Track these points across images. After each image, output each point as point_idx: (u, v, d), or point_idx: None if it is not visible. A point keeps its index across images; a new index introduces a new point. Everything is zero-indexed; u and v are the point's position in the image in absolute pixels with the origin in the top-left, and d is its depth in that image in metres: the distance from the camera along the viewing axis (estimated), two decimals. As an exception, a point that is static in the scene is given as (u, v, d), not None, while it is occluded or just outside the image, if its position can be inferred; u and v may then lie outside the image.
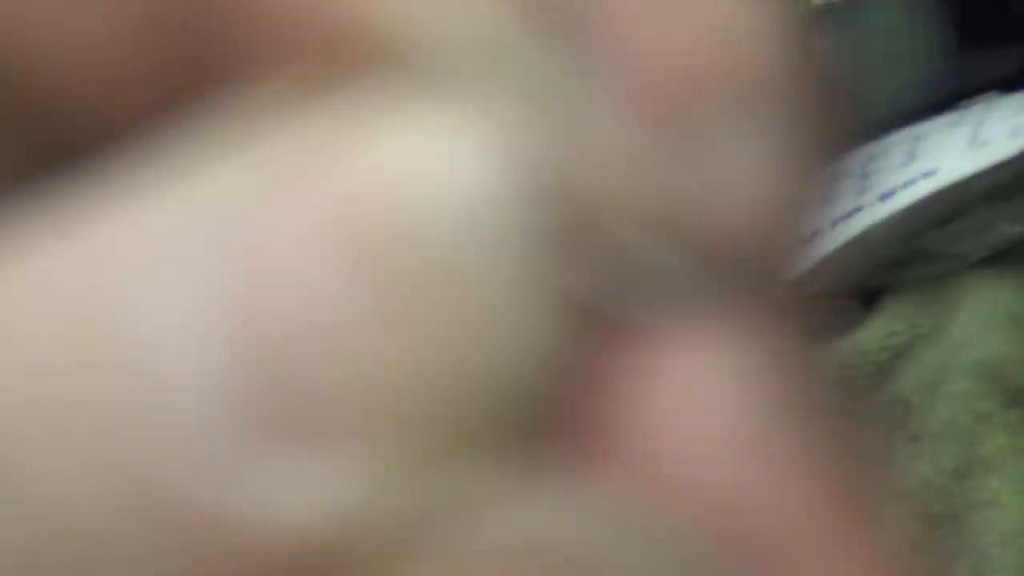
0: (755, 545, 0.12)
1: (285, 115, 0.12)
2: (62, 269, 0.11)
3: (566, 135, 0.12)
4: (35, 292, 0.11)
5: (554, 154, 0.12)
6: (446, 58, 0.12)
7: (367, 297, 0.11)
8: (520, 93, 0.12)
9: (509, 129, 0.12)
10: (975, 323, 0.65)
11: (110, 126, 0.13)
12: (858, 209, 0.68)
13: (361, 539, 0.11)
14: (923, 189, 0.66)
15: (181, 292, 0.11)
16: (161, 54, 0.13)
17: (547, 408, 0.12)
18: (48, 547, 0.11)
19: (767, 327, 0.13)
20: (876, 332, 0.67)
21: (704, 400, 0.12)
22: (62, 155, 0.13)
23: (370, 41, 0.12)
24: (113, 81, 0.13)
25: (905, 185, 0.66)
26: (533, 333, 0.11)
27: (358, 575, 0.11)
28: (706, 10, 0.13)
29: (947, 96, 0.72)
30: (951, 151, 0.67)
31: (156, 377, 0.11)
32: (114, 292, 0.11)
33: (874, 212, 0.68)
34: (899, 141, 0.72)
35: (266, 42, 0.12)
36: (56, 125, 0.14)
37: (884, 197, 0.68)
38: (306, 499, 0.11)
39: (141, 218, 0.11)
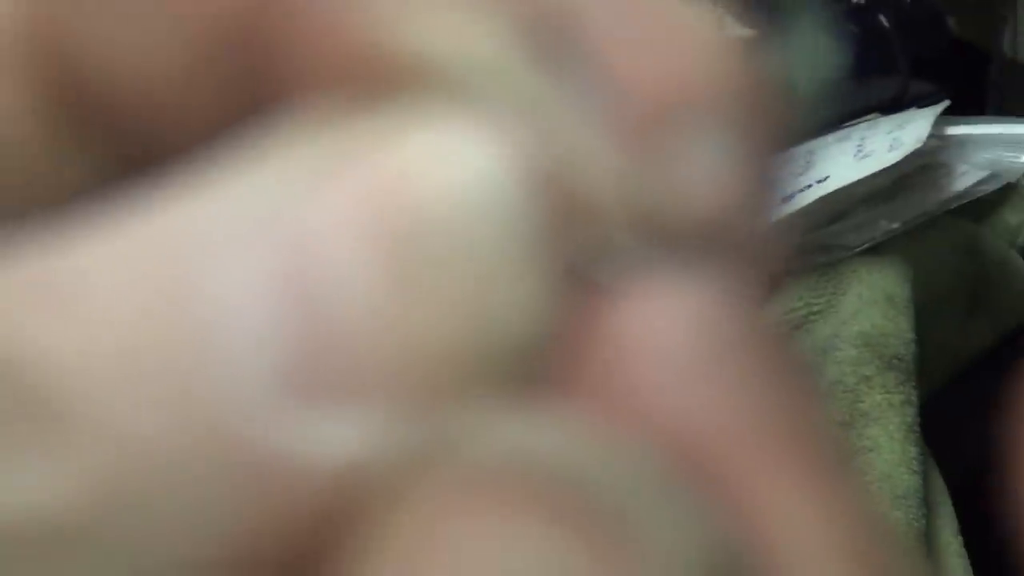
0: (709, 463, 0.13)
1: (328, 122, 0.12)
2: (144, 242, 0.12)
3: (557, 139, 0.13)
4: (119, 259, 0.12)
5: (547, 154, 0.12)
6: (461, 77, 0.13)
7: (395, 272, 0.12)
8: (521, 105, 0.13)
9: (511, 133, 0.12)
10: (859, 302, 0.70)
11: (179, 137, 0.14)
12: (765, 209, 0.74)
13: (380, 474, 0.12)
14: (817, 192, 0.71)
15: (242, 265, 0.12)
16: (225, 73, 0.14)
17: (540, 353, 0.12)
18: (126, 474, 0.12)
19: (726, 287, 0.13)
20: (777, 308, 0.73)
21: (665, 341, 0.13)
22: (136, 165, 0.14)
23: (400, 62, 0.13)
24: (182, 97, 0.14)
25: (802, 190, 0.72)
26: (531, 297, 0.12)
27: (376, 502, 0.12)
28: (674, 38, 0.13)
29: (837, 116, 0.77)
30: (840, 162, 0.73)
31: (221, 335, 0.12)
32: (188, 262, 0.12)
33: (777, 212, 0.77)
34: (797, 154, 0.72)
35: (315, 61, 0.13)
36: (130, 137, 0.14)
37: (785, 199, 0.73)
38: (338, 443, 0.12)
39: (209, 203, 0.12)
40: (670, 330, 0.13)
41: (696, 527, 0.12)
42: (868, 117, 0.79)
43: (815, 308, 0.72)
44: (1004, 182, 0.76)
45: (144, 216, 0.12)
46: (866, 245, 0.73)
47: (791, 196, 0.70)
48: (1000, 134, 0.79)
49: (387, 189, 0.12)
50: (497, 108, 0.12)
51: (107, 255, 0.12)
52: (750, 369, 0.13)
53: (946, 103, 0.77)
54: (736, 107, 0.13)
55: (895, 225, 0.73)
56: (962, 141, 0.78)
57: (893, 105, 0.81)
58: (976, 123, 0.81)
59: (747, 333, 0.13)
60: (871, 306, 0.70)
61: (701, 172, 0.13)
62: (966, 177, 0.77)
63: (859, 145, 0.75)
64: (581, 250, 0.12)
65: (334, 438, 0.12)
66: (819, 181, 0.73)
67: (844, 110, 0.79)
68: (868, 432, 0.67)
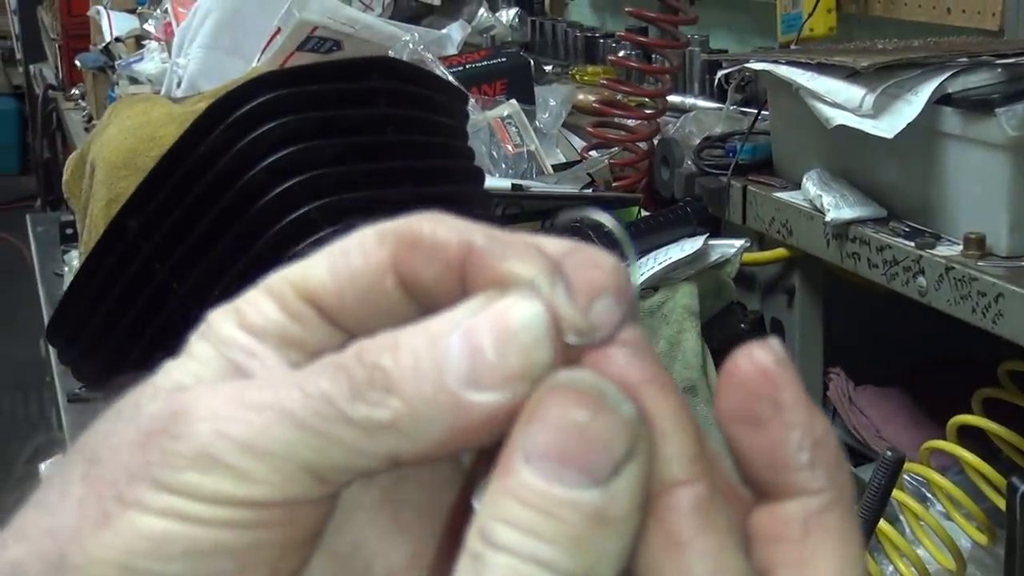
0: (633, 390, 0.25)
1: (475, 296, 0.26)
2: (429, 325, 0.26)
3: (557, 302, 0.26)
4: (418, 334, 0.26)
5: (553, 305, 0.26)
6: (528, 282, 0.26)
7: (503, 336, 0.26)
8: (546, 292, 0.26)
9: (544, 298, 0.26)
10: (681, 295, 1.32)
11: (436, 305, 0.27)
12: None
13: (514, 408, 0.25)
14: (669, 261, 1.32)
15: (456, 335, 0.26)
16: (457, 274, 0.27)
17: (566, 357, 0.26)
18: (417, 403, 0.25)
19: (630, 336, 0.26)
20: (656, 298, 1.32)
21: (626, 359, 0.26)
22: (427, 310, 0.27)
23: (511, 280, 0.26)
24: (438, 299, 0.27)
25: (665, 260, 1.32)
26: (552, 348, 0.26)
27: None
28: (596, 264, 0.26)
29: (672, 240, 1.38)
30: (675, 253, 1.33)
31: (452, 356, 0.26)
32: (441, 326, 0.26)
33: (662, 265, 1.34)
34: (662, 251, 1.35)
35: (484, 280, 0.26)
36: (425, 297, 0.28)
37: (662, 262, 1.32)
38: (488, 400, 0.25)
39: (445, 314, 0.26)
40: (619, 350, 0.25)
41: (630, 406, 0.24)
42: (681, 240, 1.39)
43: (666, 299, 1.32)
44: (726, 258, 1.38)
45: (428, 320, 0.25)
46: (683, 278, 1.34)
47: (664, 262, 1.32)
48: (724, 243, 1.40)
49: (500, 313, 0.25)
50: (540, 291, 0.26)
51: (410, 334, 0.25)
52: (647, 359, 0.25)
53: (707, 234, 1.38)
54: (617, 287, 0.26)
55: (692, 272, 1.35)
56: (712, 245, 1.39)
57: (690, 236, 1.41)
58: (716, 239, 1.40)
59: (644, 347, 0.25)
60: (685, 296, 1.32)
61: (603, 307, 0.26)
62: (712, 256, 1.38)
63: (681, 247, 1.36)
64: (565, 335, 0.26)
65: (485, 399, 0.25)
66: (668, 258, 1.34)
67: (675, 238, 1.40)
68: (684, 336, 1.27)
